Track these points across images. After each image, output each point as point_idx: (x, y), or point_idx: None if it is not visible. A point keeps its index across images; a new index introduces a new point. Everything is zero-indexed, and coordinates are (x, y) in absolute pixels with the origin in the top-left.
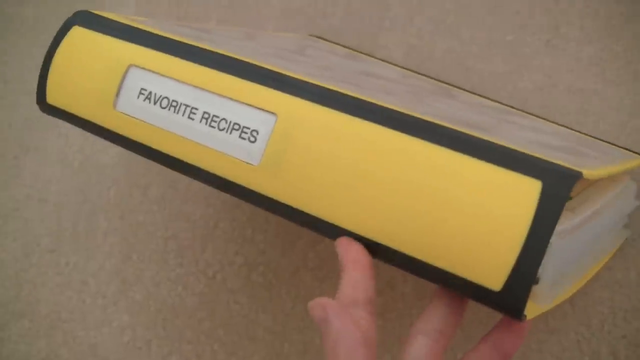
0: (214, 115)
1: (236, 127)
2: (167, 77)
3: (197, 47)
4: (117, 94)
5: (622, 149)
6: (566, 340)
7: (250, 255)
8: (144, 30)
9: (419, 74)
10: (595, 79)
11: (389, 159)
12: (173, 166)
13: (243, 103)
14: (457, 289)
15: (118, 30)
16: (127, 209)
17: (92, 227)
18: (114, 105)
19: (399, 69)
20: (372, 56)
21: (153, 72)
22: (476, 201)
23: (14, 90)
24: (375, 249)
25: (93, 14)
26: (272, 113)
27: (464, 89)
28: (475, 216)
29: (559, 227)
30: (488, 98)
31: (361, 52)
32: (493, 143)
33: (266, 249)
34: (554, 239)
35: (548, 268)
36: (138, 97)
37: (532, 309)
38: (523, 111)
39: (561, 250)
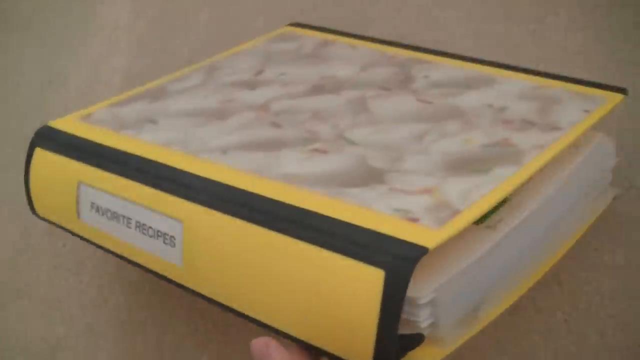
0: (142, 224)
1: (159, 233)
2: (104, 191)
3: (122, 157)
4: (77, 207)
5: (600, 91)
6: (553, 319)
7: None
8: (86, 143)
9: (390, 45)
10: (581, 67)
11: (261, 254)
12: (130, 263)
13: (158, 211)
14: None
15: (66, 147)
16: None
17: None
18: (78, 215)
19: (369, 48)
20: (347, 35)
21: (94, 187)
22: (336, 291)
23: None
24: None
25: (49, 129)
26: (179, 220)
27: (437, 53)
28: (340, 305)
29: (454, 270)
30: (456, 59)
31: (337, 34)
32: (342, 230)
33: None
34: (437, 293)
35: (443, 315)
36: (90, 209)
37: (437, 353)
38: (508, 67)
39: (459, 289)
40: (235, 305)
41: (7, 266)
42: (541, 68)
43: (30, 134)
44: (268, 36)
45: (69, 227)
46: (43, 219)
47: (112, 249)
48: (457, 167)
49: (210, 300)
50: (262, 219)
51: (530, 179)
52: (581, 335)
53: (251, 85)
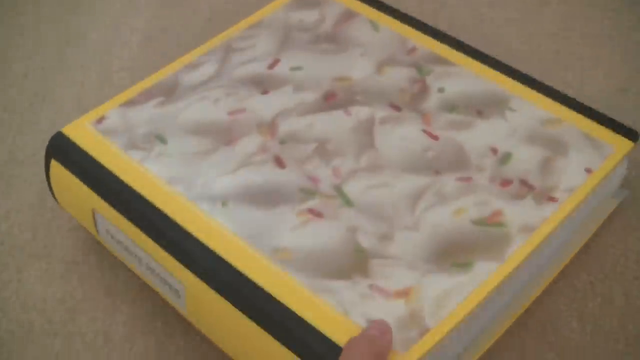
0: (152, 268)
1: (165, 282)
2: (116, 227)
3: (132, 198)
4: (95, 227)
5: (610, 134)
6: (578, 281)
7: None
8: (100, 171)
9: (413, 27)
10: (610, 25)
11: (239, 338)
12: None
13: (164, 267)
14: None
15: (80, 170)
16: None
17: None
18: (97, 231)
19: (388, 32)
20: (372, 3)
21: (108, 220)
22: None
23: (29, 37)
24: None
25: (63, 138)
26: (181, 283)
27: (457, 46)
28: None
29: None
30: (491, 64)
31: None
32: (318, 344)
33: None
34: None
35: None
36: (106, 234)
37: None
38: (525, 83)
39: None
40: (225, 350)
41: (25, 228)
42: (569, 25)
43: (48, 94)
44: (284, 3)
45: (92, 234)
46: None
47: (130, 268)
48: (441, 254)
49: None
50: (246, 308)
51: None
52: (606, 298)
53: (263, 85)
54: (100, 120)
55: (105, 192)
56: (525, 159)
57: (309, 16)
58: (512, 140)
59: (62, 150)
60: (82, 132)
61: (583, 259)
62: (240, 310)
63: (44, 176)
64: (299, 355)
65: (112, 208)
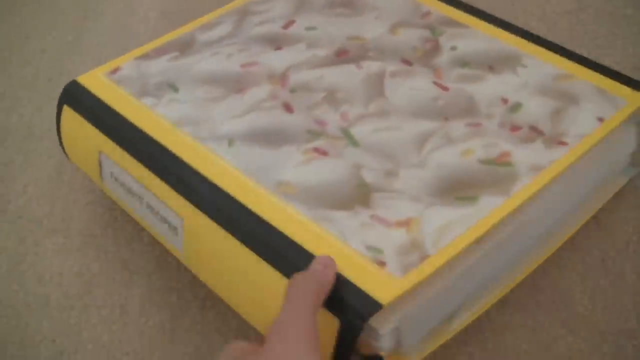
0: (152, 207)
1: (165, 220)
2: (121, 167)
3: (140, 138)
4: (100, 171)
5: (623, 88)
6: (590, 258)
7: None
8: (110, 112)
9: None
10: (625, 3)
11: (237, 269)
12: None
13: (165, 203)
14: None
15: (91, 113)
16: None
17: None
18: (101, 177)
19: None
20: None
21: (113, 161)
22: None
23: (48, 13)
24: None
25: (77, 86)
26: (180, 217)
27: (471, 11)
28: None
29: (420, 300)
30: (497, 23)
31: None
32: None
33: None
34: (400, 323)
35: (407, 338)
36: (110, 177)
37: None
38: (538, 43)
39: (425, 313)
40: (224, 299)
41: (43, 202)
42: (583, 3)
43: (65, 70)
44: None
45: (95, 182)
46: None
47: (130, 214)
48: (445, 189)
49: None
50: (247, 239)
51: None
52: (618, 275)
53: (277, 42)
54: (114, 71)
55: (112, 133)
56: (536, 108)
57: None
58: (523, 92)
59: (75, 96)
60: (96, 81)
61: (595, 235)
62: (239, 239)
63: (61, 150)
64: None
65: (118, 146)
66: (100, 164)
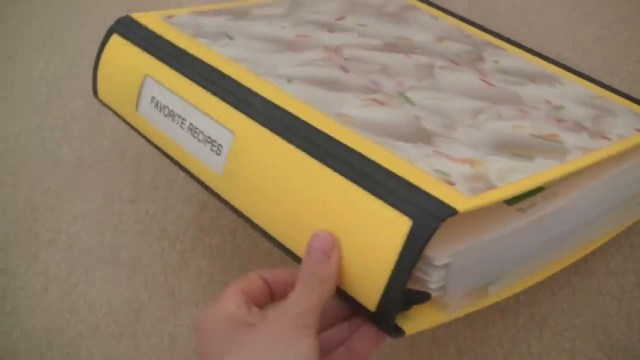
0: (195, 127)
1: (209, 139)
2: (167, 88)
3: (191, 60)
4: (138, 99)
5: None
6: (626, 282)
7: None
8: (161, 40)
9: (470, 24)
10: None
11: (300, 180)
12: (175, 164)
13: (213, 119)
14: (351, 304)
15: (142, 39)
16: None
17: (170, 178)
18: (136, 108)
19: (448, 23)
20: (432, 4)
21: (160, 83)
22: (361, 230)
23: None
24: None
25: (130, 20)
26: (231, 130)
27: (509, 41)
28: (360, 244)
29: (473, 241)
30: (528, 52)
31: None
32: (383, 175)
33: None
34: (453, 259)
35: (454, 282)
36: (150, 103)
37: (438, 317)
38: (574, 72)
39: (475, 261)
40: (260, 222)
41: (93, 232)
42: (613, 30)
43: None
44: None
45: (125, 117)
46: (103, 103)
47: (160, 145)
48: (502, 147)
49: (239, 214)
50: (308, 147)
51: (569, 175)
52: None
53: (330, 27)
54: (170, 17)
55: (164, 56)
56: (577, 112)
57: (373, 1)
58: (564, 99)
59: (127, 26)
60: (151, 19)
61: (630, 259)
62: (303, 149)
63: (109, 181)
64: (361, 185)
65: (169, 67)
66: (140, 91)
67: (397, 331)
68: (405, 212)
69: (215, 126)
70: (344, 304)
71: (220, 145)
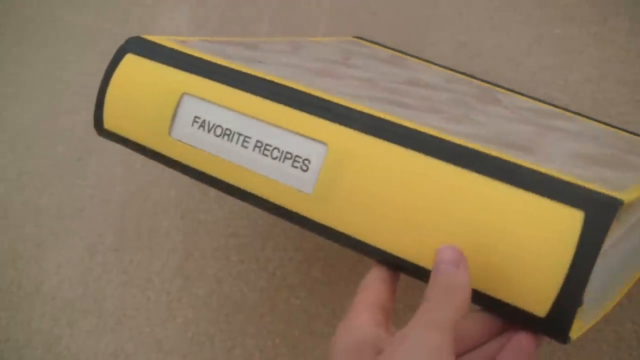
0: (266, 144)
1: (288, 155)
2: (220, 105)
3: (248, 75)
4: (172, 121)
5: None
6: (623, 330)
7: (309, 251)
8: (196, 57)
9: (460, 73)
10: None
11: (434, 188)
12: (229, 191)
13: (294, 132)
14: (504, 314)
15: (170, 57)
16: (188, 207)
17: (154, 226)
18: (169, 132)
19: (441, 70)
20: (413, 56)
21: (206, 100)
22: (521, 231)
23: (75, 93)
24: (422, 275)
25: (145, 40)
26: (323, 143)
27: (508, 89)
28: (520, 246)
29: (606, 245)
30: (529, 97)
31: (403, 53)
32: (537, 172)
33: (324, 244)
34: (599, 260)
35: (593, 289)
36: (192, 124)
37: (579, 328)
38: (566, 110)
39: (604, 268)
40: (372, 241)
41: (76, 283)
42: (603, 71)
43: (94, 152)
44: (338, 39)
45: (151, 144)
46: (109, 133)
47: (208, 170)
48: (591, 161)
49: (337, 236)
50: (434, 152)
51: None
52: None
53: (344, 65)
54: (184, 41)
55: (205, 72)
56: (617, 144)
57: (363, 50)
58: (594, 132)
59: (142, 45)
60: (167, 41)
61: (627, 307)
62: (426, 153)
63: (92, 230)
64: (511, 183)
65: (217, 82)
66: (176, 112)
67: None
68: (573, 205)
69: (297, 140)
70: (487, 321)
71: (306, 160)
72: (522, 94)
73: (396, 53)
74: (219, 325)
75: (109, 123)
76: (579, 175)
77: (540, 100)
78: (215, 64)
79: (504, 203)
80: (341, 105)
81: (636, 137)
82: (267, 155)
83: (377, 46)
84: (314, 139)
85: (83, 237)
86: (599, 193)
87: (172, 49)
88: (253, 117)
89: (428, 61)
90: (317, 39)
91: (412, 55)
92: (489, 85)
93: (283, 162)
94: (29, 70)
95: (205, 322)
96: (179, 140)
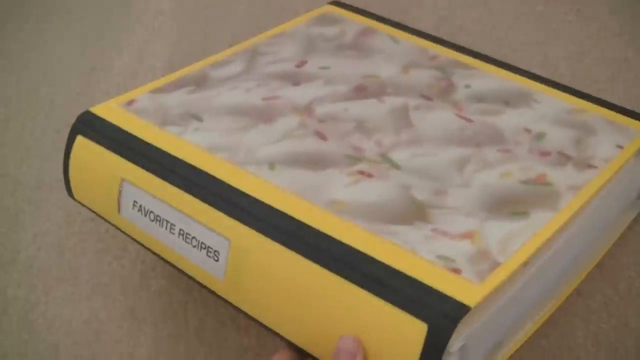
0: (187, 233)
1: (203, 245)
2: (149, 193)
3: (171, 159)
4: (119, 203)
5: (633, 121)
6: (593, 302)
7: None
8: (132, 138)
9: (433, 42)
10: (625, 47)
11: (310, 290)
12: (167, 263)
13: (205, 226)
14: None
15: (111, 140)
16: None
17: None
18: (119, 211)
19: (408, 46)
20: (389, 22)
21: (140, 187)
22: (371, 333)
23: (57, 68)
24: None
25: (92, 117)
26: (226, 238)
27: (481, 59)
28: (377, 347)
29: (485, 315)
30: (501, 65)
31: (377, 19)
32: (389, 276)
33: None
34: (467, 340)
35: (472, 356)
36: (133, 207)
37: None
38: (546, 83)
39: (487, 333)
40: (272, 326)
41: (53, 251)
42: (584, 48)
43: (73, 121)
44: (308, 16)
45: (108, 218)
46: (80, 202)
47: (152, 248)
48: (496, 207)
49: (246, 315)
50: (308, 251)
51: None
52: (621, 319)
53: (294, 79)
54: (130, 102)
55: (139, 158)
56: (559, 137)
57: (329, 31)
58: (542, 123)
59: (90, 125)
60: (112, 111)
61: (598, 279)
62: (303, 255)
63: (70, 201)
64: (373, 292)
65: (146, 171)
66: (120, 194)
67: None
68: (419, 316)
69: (207, 233)
70: None
71: (217, 251)
72: (491, 62)
73: (370, 23)
74: (192, 294)
75: (77, 195)
76: (450, 260)
77: (506, 67)
78: (148, 146)
79: (361, 308)
80: (243, 198)
81: (595, 111)
82: (188, 243)
83: (352, 15)
84: (219, 234)
85: (61, 207)
86: (446, 300)
87: (114, 129)
88: (174, 207)
89: (402, 27)
90: (284, 27)
91: (387, 22)
92: (456, 55)
93: (200, 250)
94: (13, 41)
95: (178, 291)
96: (126, 219)
